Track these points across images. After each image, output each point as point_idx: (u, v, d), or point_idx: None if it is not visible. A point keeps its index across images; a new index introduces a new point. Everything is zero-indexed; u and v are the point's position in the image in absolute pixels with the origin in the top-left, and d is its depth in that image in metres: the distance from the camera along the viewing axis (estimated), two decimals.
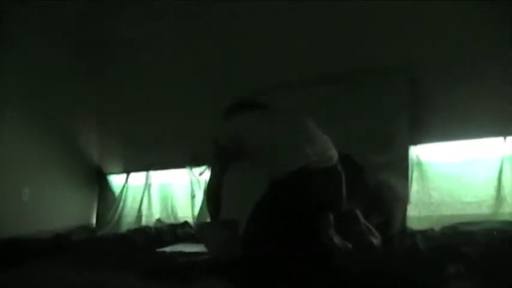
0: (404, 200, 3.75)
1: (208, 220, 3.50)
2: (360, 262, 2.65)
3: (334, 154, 3.06)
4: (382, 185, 3.60)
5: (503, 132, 3.62)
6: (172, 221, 5.10)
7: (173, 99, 5.22)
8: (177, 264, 3.37)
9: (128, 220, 5.48)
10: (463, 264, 2.32)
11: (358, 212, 2.93)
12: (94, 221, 5.82)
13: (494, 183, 3.63)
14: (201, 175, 4.95)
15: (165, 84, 5.30)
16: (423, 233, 3.15)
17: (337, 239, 2.77)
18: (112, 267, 3.55)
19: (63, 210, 5.43)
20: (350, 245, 2.79)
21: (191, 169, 5.06)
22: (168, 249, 3.93)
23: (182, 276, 3.14)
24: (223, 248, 3.23)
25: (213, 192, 3.34)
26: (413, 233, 2.97)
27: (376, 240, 2.90)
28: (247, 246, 3.07)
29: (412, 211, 3.81)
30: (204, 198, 4.75)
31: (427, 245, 2.70)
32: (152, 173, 5.48)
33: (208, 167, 4.82)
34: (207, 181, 3.52)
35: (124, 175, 5.71)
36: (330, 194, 2.95)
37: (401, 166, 3.87)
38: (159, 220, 5.18)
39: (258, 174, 3.15)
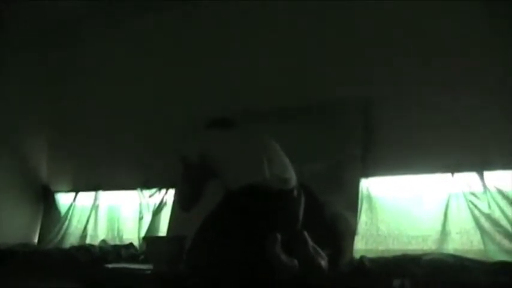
0: (354, 232, 3.77)
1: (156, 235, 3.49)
2: (306, 280, 2.65)
3: (292, 178, 3.10)
4: (337, 217, 3.62)
5: (452, 168, 3.69)
6: (117, 242, 4.99)
7: (127, 120, 5.20)
8: (121, 277, 3.31)
9: (71, 240, 5.34)
10: (408, 279, 2.34)
11: (306, 234, 2.94)
12: (36, 239, 5.65)
13: (441, 218, 3.68)
14: (151, 197, 4.90)
15: (119, 104, 5.28)
16: (370, 257, 3.18)
17: (283, 257, 2.77)
18: (53, 278, 3.48)
19: (4, 226, 5.26)
20: (296, 262, 2.80)
21: (141, 191, 5.00)
22: (111, 265, 3.86)
23: (124, 285, 3.10)
24: (169, 262, 3.21)
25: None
26: (361, 257, 2.99)
27: (323, 262, 2.91)
28: (192, 261, 3.05)
29: (359, 242, 3.82)
30: (152, 218, 4.73)
31: (374, 264, 2.72)
32: (101, 193, 5.37)
33: (159, 190, 4.82)
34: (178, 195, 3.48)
35: (72, 194, 5.58)
36: (281, 215, 2.97)
37: (352, 198, 3.90)
38: (103, 241, 5.07)
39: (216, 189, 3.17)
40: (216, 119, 3.51)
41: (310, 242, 2.91)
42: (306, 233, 2.91)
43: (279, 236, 2.77)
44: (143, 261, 3.76)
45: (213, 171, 3.16)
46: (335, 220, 3.56)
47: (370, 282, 2.43)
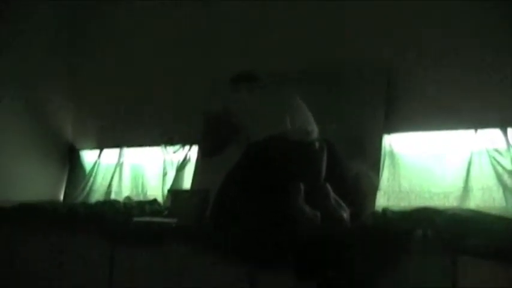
0: (376, 190, 3.79)
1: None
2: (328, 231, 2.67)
3: (314, 130, 3.11)
4: (360, 175, 3.63)
5: (475, 125, 3.69)
6: (141, 198, 5.06)
7: (151, 77, 5.21)
8: (145, 229, 3.36)
9: (96, 196, 5.44)
10: (431, 228, 2.36)
11: (328, 187, 2.96)
12: (62, 196, 5.75)
13: (463, 175, 3.69)
14: (175, 154, 4.95)
15: (142, 62, 5.29)
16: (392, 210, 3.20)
17: (306, 208, 2.80)
18: (79, 233, 3.55)
19: (31, 183, 5.37)
20: (319, 214, 2.83)
21: (165, 147, 5.05)
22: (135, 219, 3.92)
23: (150, 241, 3.15)
24: (193, 216, 3.25)
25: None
26: (383, 209, 3.01)
27: (345, 214, 2.94)
28: (215, 215, 3.09)
29: (381, 198, 3.86)
30: (176, 174, 4.79)
31: (396, 216, 2.75)
32: (125, 150, 5.45)
33: (183, 146, 4.87)
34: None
35: (97, 152, 5.66)
36: (302, 166, 2.98)
37: (375, 155, 3.92)
38: (128, 197, 5.14)
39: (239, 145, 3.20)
40: (241, 73, 3.52)
41: (333, 195, 2.94)
42: (328, 186, 2.93)
43: (302, 187, 2.79)
44: (167, 217, 3.80)
45: (236, 125, 3.18)
46: (358, 178, 3.56)
47: (392, 232, 2.45)
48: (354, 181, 3.49)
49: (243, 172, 3.00)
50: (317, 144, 3.09)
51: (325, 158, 3.08)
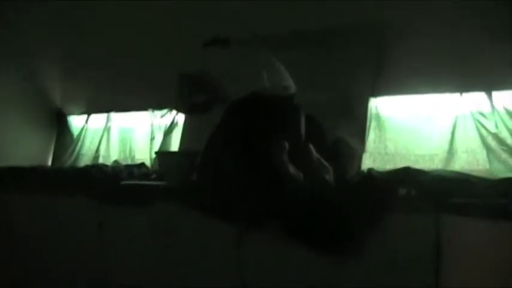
0: (358, 154, 3.82)
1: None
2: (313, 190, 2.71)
3: (291, 85, 3.13)
4: (340, 142, 3.65)
5: (460, 88, 3.72)
6: (129, 162, 5.08)
7: (138, 42, 5.17)
8: (133, 189, 3.40)
9: (85, 160, 5.45)
10: (414, 187, 2.41)
11: (311, 147, 2.98)
12: (50, 161, 5.76)
13: (448, 137, 3.74)
14: (163, 118, 4.96)
15: (130, 26, 5.24)
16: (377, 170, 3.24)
17: (289, 166, 2.82)
18: (67, 194, 3.57)
19: (19, 148, 5.35)
20: (302, 175, 2.85)
21: (153, 112, 5.06)
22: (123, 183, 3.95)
23: (138, 200, 3.19)
24: (180, 176, 3.28)
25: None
26: (369, 170, 3.05)
27: (328, 175, 2.96)
28: (202, 173, 3.12)
29: (367, 160, 3.90)
30: (163, 138, 4.81)
31: (381, 175, 2.78)
32: (113, 115, 5.45)
33: (171, 110, 4.88)
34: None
35: (84, 116, 5.66)
36: (284, 121, 3.00)
37: (360, 118, 3.95)
38: (116, 161, 5.16)
39: (219, 105, 3.21)
40: (213, 38, 3.50)
41: (315, 155, 2.96)
42: (311, 146, 2.95)
43: (286, 144, 2.81)
44: (155, 180, 3.83)
45: (212, 84, 3.20)
46: (339, 145, 3.59)
47: (377, 191, 2.49)
48: (333, 147, 3.51)
49: (226, 131, 3.02)
50: (295, 100, 3.11)
51: (303, 114, 3.09)
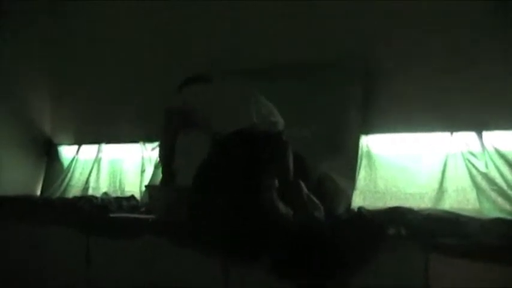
0: (345, 194, 3.80)
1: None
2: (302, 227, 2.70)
3: (279, 121, 3.13)
4: (324, 178, 3.65)
5: (450, 127, 3.74)
6: (119, 195, 5.06)
7: (129, 74, 5.22)
8: (123, 225, 3.37)
9: (74, 192, 5.42)
10: (404, 226, 2.40)
11: (301, 183, 2.98)
12: (39, 191, 5.72)
13: (438, 176, 3.74)
14: (154, 150, 4.95)
15: (122, 58, 5.28)
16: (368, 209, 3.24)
17: (279, 204, 2.81)
18: (55, 225, 3.55)
19: (9, 177, 5.32)
20: (291, 212, 2.84)
21: (144, 144, 5.05)
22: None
23: (127, 233, 3.17)
24: (170, 209, 3.26)
25: (166, 158, 3.37)
26: (359, 208, 3.05)
27: (318, 212, 2.96)
28: (191, 207, 3.10)
29: (357, 198, 3.90)
30: (154, 171, 4.78)
31: (371, 214, 2.78)
32: (104, 146, 5.43)
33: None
34: (159, 150, 3.53)
35: (75, 147, 5.64)
36: (272, 157, 3.00)
37: (351, 155, 3.95)
38: (105, 193, 5.13)
39: (205, 140, 3.20)
40: (194, 75, 3.51)
41: (305, 191, 2.96)
42: (301, 182, 2.94)
43: (275, 181, 2.80)
44: (144, 213, 3.81)
45: (198, 121, 3.19)
46: (323, 181, 3.58)
47: (367, 229, 2.48)
48: (318, 183, 3.50)
49: (213, 168, 3.01)
50: (284, 136, 3.11)
51: (291, 150, 3.09)
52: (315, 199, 2.96)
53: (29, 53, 5.64)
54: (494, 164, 3.60)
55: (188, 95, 3.28)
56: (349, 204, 3.78)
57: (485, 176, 3.60)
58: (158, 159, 3.52)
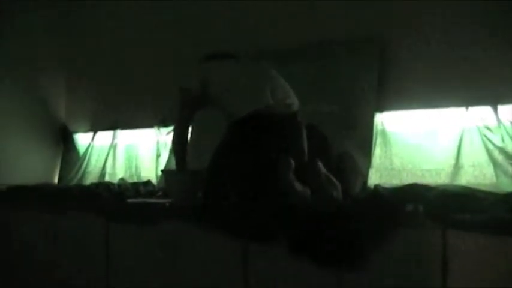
0: (363, 172, 3.80)
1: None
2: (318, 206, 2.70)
3: (294, 102, 3.12)
4: (344, 155, 3.65)
5: (466, 102, 3.71)
6: (135, 180, 5.08)
7: (143, 60, 5.22)
8: (140, 210, 3.38)
9: (91, 178, 5.47)
10: (421, 203, 2.39)
11: (319, 163, 2.97)
12: (56, 178, 5.77)
13: (454, 152, 3.72)
14: (168, 135, 4.96)
15: (135, 44, 5.29)
16: (384, 186, 3.23)
17: (296, 184, 2.82)
18: (74, 212, 3.57)
19: (25, 166, 5.38)
20: (309, 191, 2.85)
21: (159, 129, 5.07)
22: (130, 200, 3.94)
23: (144, 218, 3.18)
24: (186, 194, 3.27)
25: (179, 139, 3.38)
26: (375, 186, 3.04)
27: (335, 192, 2.96)
28: (208, 190, 3.11)
29: (373, 176, 3.90)
30: (171, 147, 4.79)
31: (388, 192, 2.78)
32: (119, 132, 5.47)
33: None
34: (174, 129, 3.53)
35: (90, 134, 5.68)
36: (288, 139, 3.00)
37: (366, 133, 3.95)
38: (122, 179, 5.17)
39: (222, 120, 3.20)
40: (217, 52, 3.50)
41: (324, 171, 2.95)
42: (319, 162, 2.94)
43: (292, 162, 2.81)
44: (161, 197, 3.83)
45: (214, 100, 3.19)
46: (343, 159, 3.58)
47: (384, 207, 2.48)
48: (338, 161, 3.50)
49: (230, 150, 3.01)
50: (299, 117, 3.11)
51: (305, 131, 3.09)
52: (333, 179, 2.95)
53: (43, 41, 5.65)
54: (511, 138, 3.58)
55: (205, 72, 3.26)
56: (365, 182, 3.78)
57: (502, 150, 3.58)
58: (172, 142, 3.51)
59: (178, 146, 3.40)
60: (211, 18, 4.81)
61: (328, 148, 3.46)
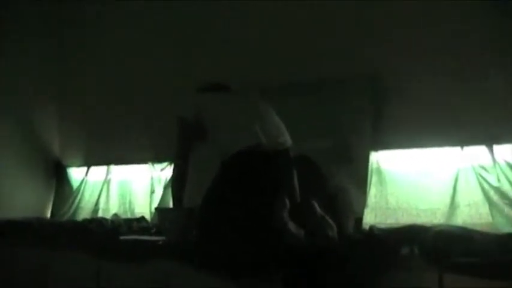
0: (357, 207, 3.77)
1: (167, 206, 3.53)
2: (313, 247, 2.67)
3: (286, 139, 3.10)
4: (338, 190, 3.63)
5: (461, 142, 3.71)
6: (129, 216, 5.05)
7: (137, 95, 5.23)
8: (133, 248, 3.36)
9: (84, 214, 5.41)
10: (417, 245, 2.38)
11: (315, 203, 2.96)
12: (49, 213, 5.72)
13: (450, 191, 3.71)
14: (163, 171, 4.94)
15: (130, 78, 5.30)
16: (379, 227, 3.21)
17: (290, 225, 2.79)
18: (66, 249, 3.54)
19: (18, 200, 5.34)
20: (303, 232, 2.82)
21: (153, 165, 5.05)
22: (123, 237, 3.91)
23: (135, 257, 3.15)
24: (179, 233, 3.25)
25: (177, 174, 3.37)
26: (371, 226, 3.02)
27: (331, 232, 2.94)
28: (201, 229, 3.08)
29: (368, 215, 3.87)
30: (163, 191, 4.79)
31: (383, 233, 2.76)
32: (113, 168, 5.44)
33: (170, 164, 4.85)
34: (173, 164, 3.51)
35: (84, 169, 5.65)
36: (280, 177, 2.98)
37: (361, 172, 3.93)
38: (115, 214, 5.13)
39: (214, 157, 3.18)
40: (211, 83, 3.50)
41: (319, 212, 2.94)
42: (314, 202, 2.92)
43: (287, 202, 2.78)
44: (155, 234, 3.80)
45: (207, 133, 3.18)
46: (337, 193, 3.56)
47: (380, 249, 2.46)
48: (332, 193, 3.48)
49: (222, 188, 2.98)
50: (291, 154, 3.09)
51: (295, 170, 3.07)
52: (328, 219, 2.93)
53: (36, 74, 5.65)
54: (506, 177, 3.56)
55: (200, 103, 3.27)
56: (361, 221, 3.75)
57: (498, 190, 3.56)
58: (171, 180, 3.50)
59: (176, 182, 3.39)
60: (207, 50, 4.81)
61: (322, 178, 3.44)
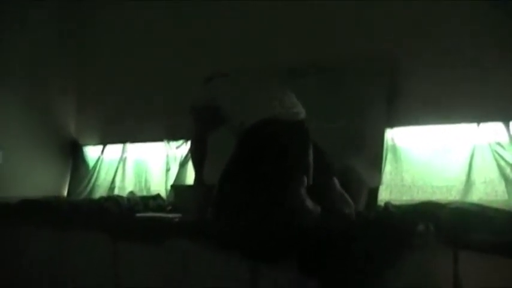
0: (370, 186, 3.76)
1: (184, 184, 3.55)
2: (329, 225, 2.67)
3: (301, 111, 3.09)
4: (347, 169, 3.62)
5: (477, 118, 3.68)
6: (145, 194, 5.08)
7: (153, 73, 5.24)
8: (149, 226, 3.36)
9: (100, 192, 5.47)
10: (432, 222, 2.37)
11: (335, 181, 2.95)
12: (65, 192, 5.77)
13: (466, 168, 3.69)
14: (178, 148, 4.96)
15: (145, 57, 5.31)
16: (395, 204, 3.21)
17: (307, 202, 2.79)
18: (82, 229, 3.56)
19: (35, 179, 5.40)
20: (320, 209, 2.82)
21: (168, 143, 5.07)
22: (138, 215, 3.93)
23: (152, 236, 3.16)
24: (195, 210, 3.26)
25: (197, 154, 3.41)
26: (386, 204, 3.01)
27: (348, 210, 2.93)
28: (216, 208, 3.09)
29: (383, 192, 3.87)
30: (179, 169, 4.80)
31: (398, 210, 2.76)
32: (128, 146, 5.47)
33: (186, 141, 4.86)
34: (190, 146, 3.57)
35: (100, 147, 5.69)
36: (297, 148, 2.95)
37: (376, 149, 3.92)
38: (131, 192, 5.15)
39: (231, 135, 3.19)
40: (212, 73, 3.50)
41: (338, 189, 2.93)
42: (335, 180, 2.91)
43: (305, 179, 2.78)
44: (170, 212, 3.81)
45: (223, 116, 3.18)
46: (347, 174, 3.54)
47: (395, 227, 2.45)
48: (342, 176, 3.47)
49: (239, 163, 2.97)
50: (306, 124, 3.08)
51: (310, 140, 3.06)
52: (347, 197, 2.93)
53: (54, 54, 5.67)
54: None
55: (212, 90, 3.27)
56: (376, 198, 3.75)
57: None
58: (191, 159, 3.53)
59: (198, 161, 3.41)
60: (223, 36, 4.82)
61: (327, 164, 3.42)
